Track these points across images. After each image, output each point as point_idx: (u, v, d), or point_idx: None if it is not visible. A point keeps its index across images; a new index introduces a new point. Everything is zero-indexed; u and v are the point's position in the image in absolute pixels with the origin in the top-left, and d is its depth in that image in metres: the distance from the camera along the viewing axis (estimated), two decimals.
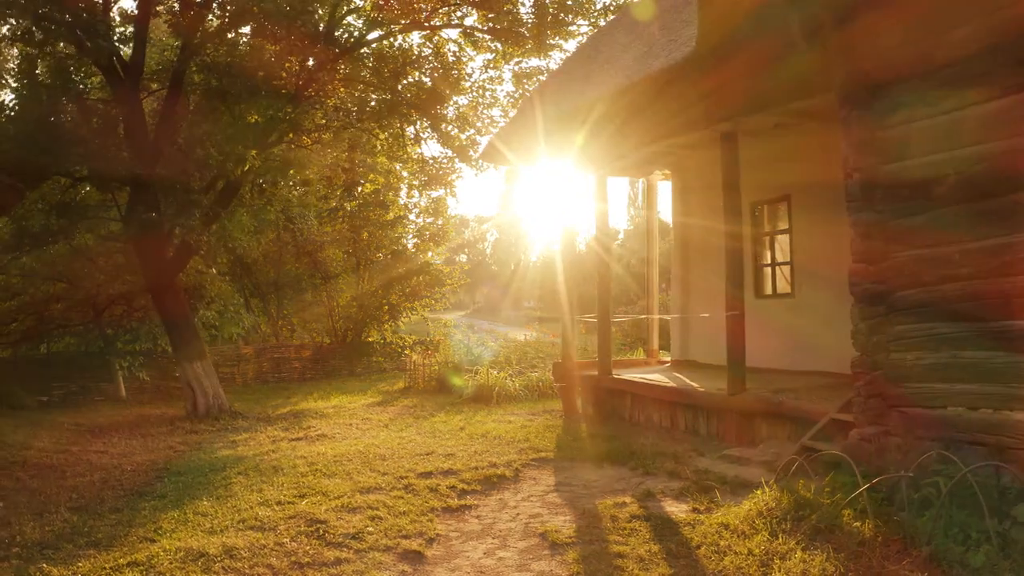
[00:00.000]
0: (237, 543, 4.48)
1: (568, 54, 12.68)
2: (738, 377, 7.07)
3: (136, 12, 10.47)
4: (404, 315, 18.66)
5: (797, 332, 8.25)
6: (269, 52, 10.73)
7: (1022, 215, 4.28)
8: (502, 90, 13.30)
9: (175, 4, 10.99)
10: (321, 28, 10.60)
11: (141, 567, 4.20)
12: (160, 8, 10.92)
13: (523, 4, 11.56)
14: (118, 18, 10.89)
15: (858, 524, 4.02)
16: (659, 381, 8.39)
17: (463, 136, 12.90)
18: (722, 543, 4.18)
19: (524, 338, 18.42)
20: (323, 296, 19.04)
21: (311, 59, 10.77)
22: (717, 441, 7.33)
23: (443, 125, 12.69)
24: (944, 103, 4.73)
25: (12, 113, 9.52)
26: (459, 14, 12.35)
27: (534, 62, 12.86)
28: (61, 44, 10.03)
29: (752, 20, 5.43)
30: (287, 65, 10.63)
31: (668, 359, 10.58)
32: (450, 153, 13.45)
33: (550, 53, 12.55)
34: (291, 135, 10.74)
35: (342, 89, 11.59)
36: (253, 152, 9.61)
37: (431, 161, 13.70)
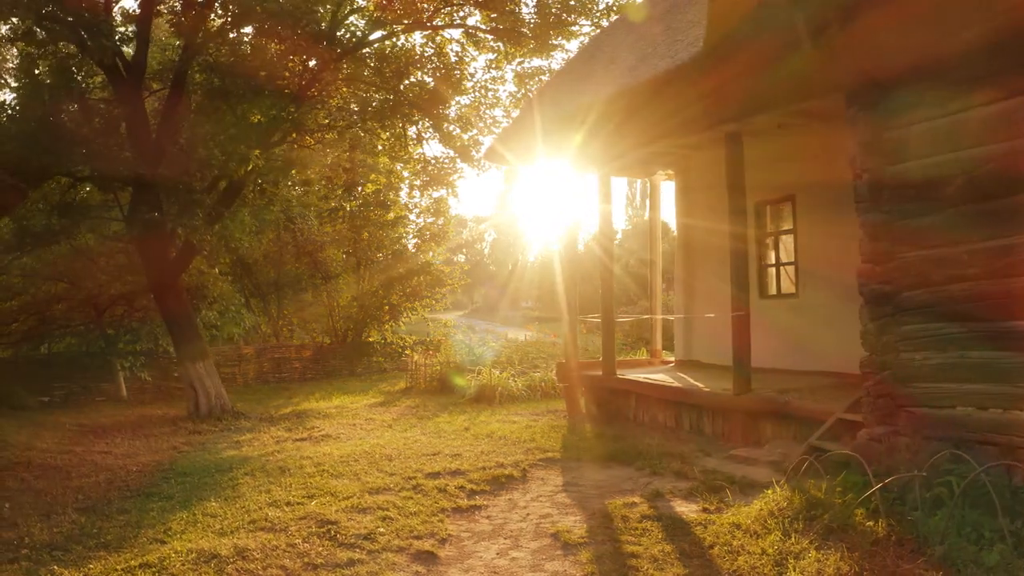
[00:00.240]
0: (249, 544, 4.47)
1: (570, 54, 12.69)
2: (744, 377, 7.08)
3: (138, 12, 10.43)
4: (404, 315, 18.65)
5: (801, 332, 8.27)
6: (272, 52, 10.71)
7: None
8: (504, 90, 13.32)
9: (177, 4, 10.97)
10: (324, 28, 10.58)
11: (153, 569, 4.19)
12: (162, 8, 10.90)
13: (526, 4, 11.57)
14: (119, 17, 10.87)
15: (871, 523, 4.04)
16: (664, 381, 8.40)
17: (465, 136, 12.90)
18: (735, 543, 4.19)
19: (524, 338, 18.42)
20: (323, 296, 19.02)
21: (314, 59, 10.76)
22: (722, 441, 7.35)
23: (445, 125, 12.69)
24: (951, 104, 4.76)
25: (14, 113, 9.48)
26: (461, 14, 12.35)
27: (536, 62, 12.87)
28: (62, 44, 10.00)
29: (759, 21, 5.44)
30: (290, 65, 10.62)
31: (671, 359, 10.60)
32: (452, 153, 13.45)
33: (552, 53, 12.57)
34: (294, 135, 10.72)
35: (345, 89, 11.58)
36: (257, 152, 9.59)
37: (433, 161, 13.69)
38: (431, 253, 18.79)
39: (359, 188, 16.36)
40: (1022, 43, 4.33)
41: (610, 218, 9.82)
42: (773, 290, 9.01)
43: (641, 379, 8.66)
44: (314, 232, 17.46)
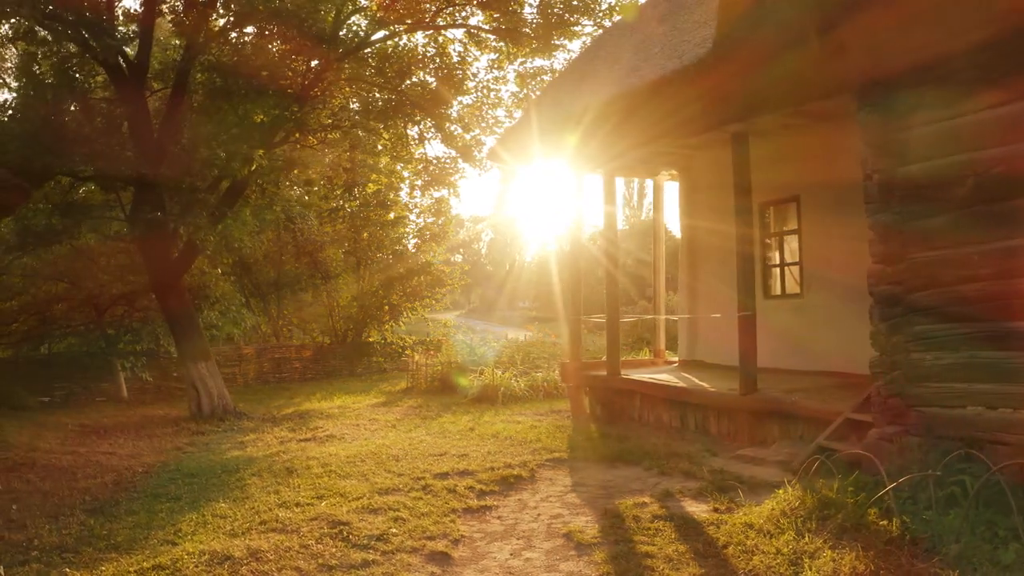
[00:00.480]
0: (261, 545, 4.46)
1: (572, 54, 12.71)
2: (750, 377, 7.10)
3: (141, 11, 10.40)
4: (405, 315, 18.63)
5: (805, 333, 8.30)
6: (275, 52, 10.69)
7: None
8: (506, 90, 13.27)
9: (178, 3, 10.94)
10: (327, 28, 10.56)
11: (166, 571, 4.18)
12: (163, 7, 10.86)
13: (529, 4, 11.57)
14: (121, 17, 10.84)
15: (884, 523, 4.06)
16: (669, 381, 8.42)
17: (467, 136, 12.89)
18: (748, 542, 4.20)
19: (525, 338, 18.42)
20: (323, 296, 18.99)
21: (316, 59, 10.74)
22: (728, 441, 7.37)
23: (447, 125, 12.68)
24: (961, 106, 4.78)
25: (16, 112, 9.43)
26: (463, 14, 12.35)
27: (538, 62, 12.87)
28: (64, 43, 9.96)
29: (768, 21, 5.45)
30: (293, 64, 10.60)
31: (675, 359, 10.62)
32: (453, 153, 13.45)
33: (554, 53, 12.58)
34: (297, 134, 10.70)
35: (347, 88, 11.56)
36: (260, 152, 9.57)
37: (434, 161, 13.68)
38: (432, 253, 18.77)
39: (359, 188, 16.35)
40: None
41: (614, 219, 9.85)
42: (777, 290, 9.04)
43: (646, 379, 8.68)
44: (314, 232, 17.43)
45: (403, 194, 17.03)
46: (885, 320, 5.05)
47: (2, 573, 4.23)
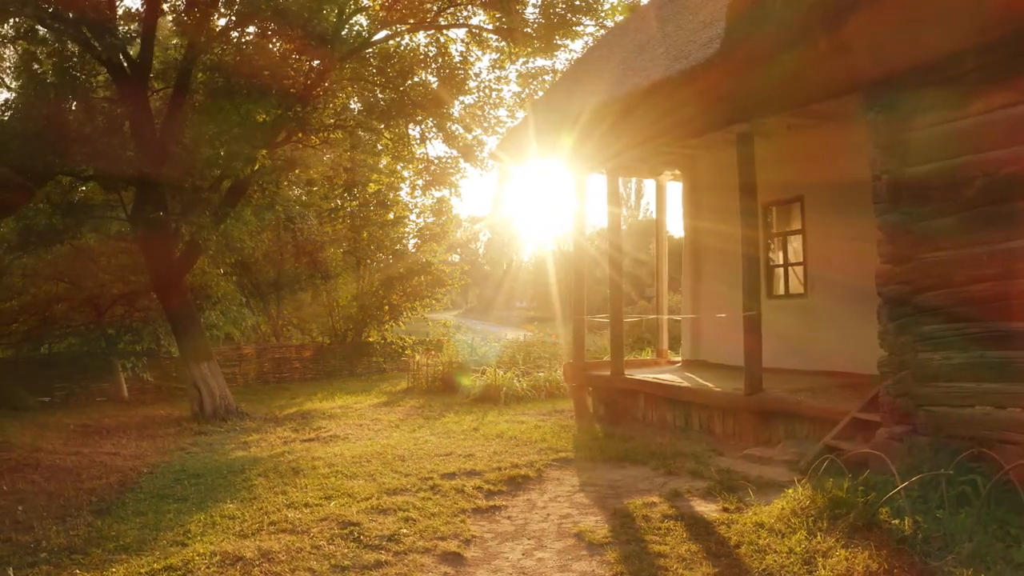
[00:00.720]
0: (272, 546, 4.45)
1: (574, 54, 12.72)
2: (755, 377, 7.12)
3: (143, 11, 10.37)
4: (405, 315, 18.62)
5: (809, 333, 8.33)
6: (277, 51, 10.67)
7: None
8: (508, 90, 13.26)
9: (180, 2, 10.90)
10: (329, 28, 10.55)
11: (178, 572, 4.16)
12: (165, 7, 10.83)
13: (531, 4, 11.58)
14: (121, 16, 10.78)
15: (896, 522, 4.07)
16: (673, 381, 8.43)
17: (469, 136, 12.89)
18: (761, 542, 4.21)
19: (524, 338, 18.42)
20: (323, 296, 18.97)
21: (319, 59, 10.71)
22: (733, 441, 7.38)
23: (449, 125, 12.68)
24: (970, 107, 4.80)
25: (17, 112, 9.39)
26: (465, 14, 12.34)
27: (540, 62, 12.89)
28: (64, 43, 9.92)
29: (777, 21, 5.46)
30: (295, 64, 10.58)
31: (678, 359, 10.63)
32: (455, 153, 13.45)
33: (556, 53, 12.60)
34: (300, 134, 10.68)
35: (349, 88, 11.54)
36: (264, 152, 9.54)
37: (435, 161, 13.68)
38: (432, 253, 18.76)
39: (359, 188, 16.33)
40: None
41: (618, 219, 9.85)
42: (780, 291, 9.06)
43: (650, 379, 8.69)
44: (314, 232, 17.41)
45: (403, 194, 17.03)
46: (893, 320, 5.07)
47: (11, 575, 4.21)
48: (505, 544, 4.57)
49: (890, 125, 5.15)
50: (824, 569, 3.73)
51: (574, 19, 11.82)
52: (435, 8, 11.64)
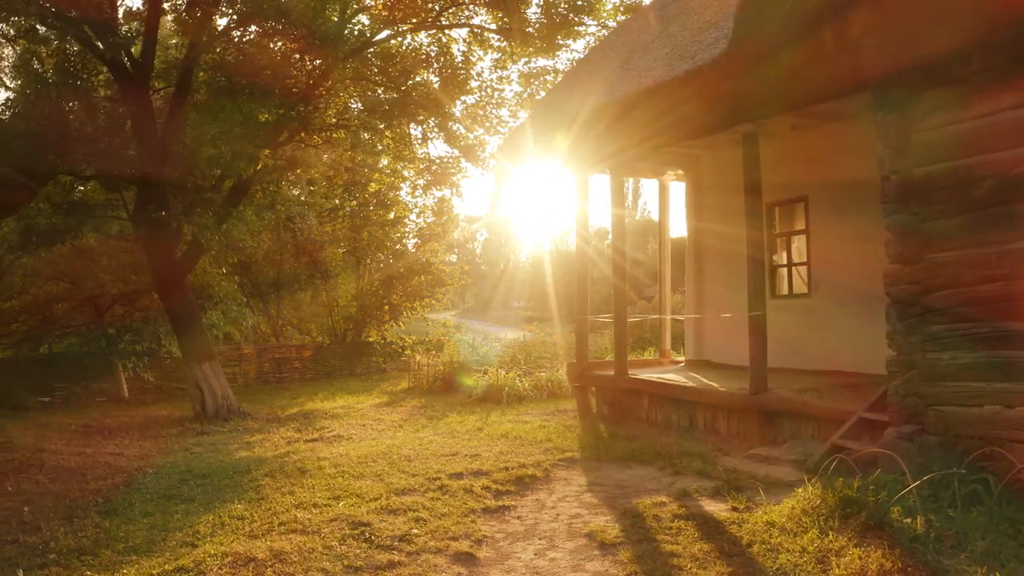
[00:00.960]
0: (284, 547, 4.44)
1: (576, 54, 12.72)
2: (760, 377, 7.13)
3: (145, 11, 10.32)
4: (405, 315, 18.60)
5: (813, 333, 8.36)
6: (278, 51, 10.64)
7: None
8: (510, 90, 13.24)
9: (181, 2, 10.86)
10: (332, 27, 10.52)
11: (189, 573, 4.15)
12: (166, 6, 10.79)
13: (533, 4, 11.58)
14: (122, 15, 10.74)
15: (908, 521, 4.08)
16: (677, 381, 8.44)
17: (471, 136, 12.89)
18: (773, 541, 4.22)
19: (524, 338, 18.43)
20: (323, 296, 18.93)
21: (321, 58, 10.69)
22: (738, 441, 7.39)
23: (451, 124, 12.67)
24: (980, 107, 4.82)
25: (18, 111, 9.34)
26: (466, 13, 12.33)
27: (542, 62, 12.89)
28: (67, 42, 9.88)
29: (786, 21, 5.47)
30: (298, 64, 10.56)
31: (681, 359, 10.65)
32: (456, 153, 13.44)
33: (558, 53, 12.59)
34: (302, 134, 10.66)
35: (352, 88, 11.52)
36: (267, 151, 9.52)
37: (437, 161, 13.66)
38: (433, 253, 18.74)
39: (360, 188, 16.30)
40: None
41: (622, 220, 9.87)
42: (784, 291, 9.08)
43: (654, 379, 8.70)
44: (314, 232, 17.37)
45: (403, 194, 17.01)
46: (902, 320, 5.09)
47: None
48: (517, 544, 4.57)
49: (899, 125, 5.17)
50: (838, 568, 3.74)
51: (576, 19, 11.83)
52: (437, 8, 11.63)
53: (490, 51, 12.84)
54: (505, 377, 11.89)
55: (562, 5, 11.62)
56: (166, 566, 4.27)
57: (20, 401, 11.36)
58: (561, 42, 12.05)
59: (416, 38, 12.43)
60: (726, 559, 4.05)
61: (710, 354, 9.95)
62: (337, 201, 17.43)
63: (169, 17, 11.13)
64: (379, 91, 11.96)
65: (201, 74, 10.89)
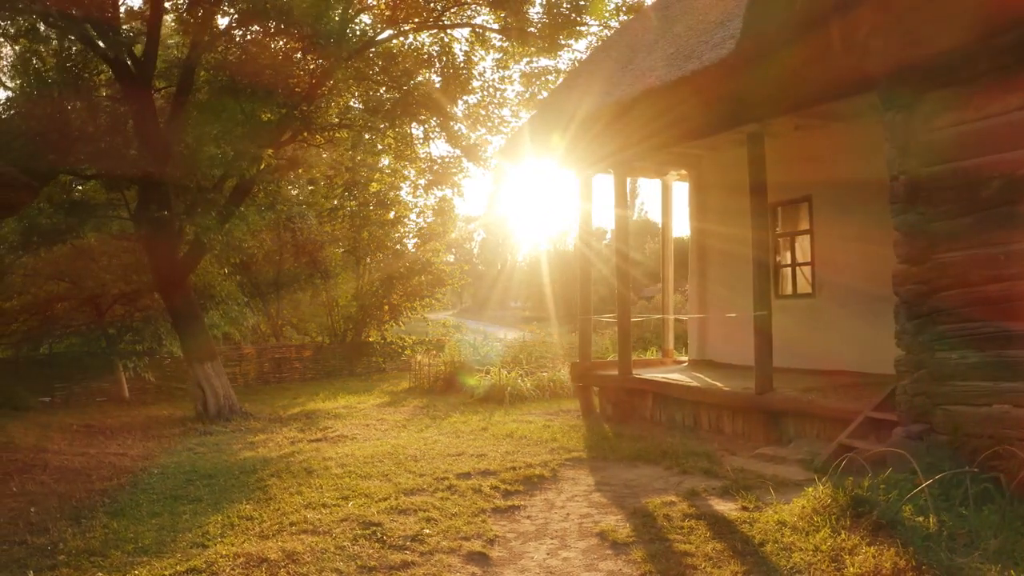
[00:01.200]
0: (296, 547, 4.43)
1: (578, 54, 12.73)
2: (766, 376, 7.16)
3: (148, 10, 10.28)
4: (405, 315, 18.59)
5: (817, 332, 8.39)
6: (281, 50, 10.62)
7: None
8: (512, 90, 13.24)
9: (182, 1, 10.82)
10: (334, 27, 10.50)
11: (202, 574, 4.14)
12: (167, 5, 10.75)
13: (537, 3, 11.58)
14: (124, 14, 10.71)
15: (920, 519, 4.10)
16: (681, 381, 8.46)
17: (473, 136, 12.88)
18: (785, 540, 4.23)
19: (525, 338, 18.43)
20: (323, 296, 18.90)
21: (323, 58, 10.67)
22: (743, 440, 7.41)
23: (452, 124, 12.66)
24: (988, 107, 4.85)
25: (20, 110, 9.30)
26: (468, 13, 12.32)
27: (543, 62, 12.90)
28: (68, 41, 9.83)
29: (794, 23, 5.49)
30: (300, 63, 10.53)
31: (684, 359, 10.67)
32: (457, 153, 13.43)
33: (559, 53, 12.60)
34: (305, 133, 10.63)
35: (354, 87, 11.50)
36: (270, 151, 9.50)
37: (438, 160, 13.65)
38: (434, 253, 18.73)
39: (360, 187, 16.28)
40: None
41: (625, 220, 9.88)
42: (788, 290, 9.11)
43: (659, 378, 8.72)
44: (313, 231, 17.34)
45: (404, 193, 16.99)
46: (911, 320, 5.11)
47: None
48: (529, 544, 4.57)
49: (907, 126, 5.19)
50: (852, 567, 3.75)
51: (578, 19, 11.84)
52: (439, 7, 11.62)
53: (491, 51, 12.85)
54: (507, 377, 11.89)
55: (564, 5, 11.62)
56: (178, 567, 4.26)
57: (21, 401, 11.32)
58: (563, 42, 12.05)
59: (418, 38, 12.42)
60: (740, 558, 4.06)
61: (713, 354, 9.97)
62: (336, 202, 17.40)
63: (170, 16, 11.09)
64: (381, 91, 11.94)
65: (203, 73, 10.86)
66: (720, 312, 9.62)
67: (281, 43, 10.85)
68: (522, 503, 5.46)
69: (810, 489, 4.82)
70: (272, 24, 10.20)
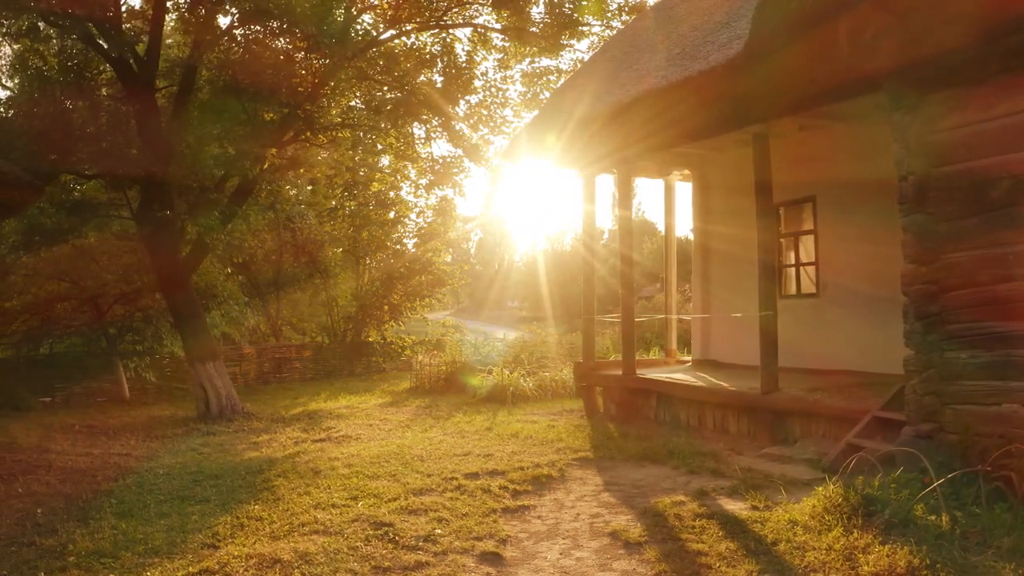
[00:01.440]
0: (308, 548, 4.43)
1: (580, 54, 12.74)
2: (771, 376, 7.18)
3: (151, 10, 10.24)
4: (405, 315, 18.57)
5: (821, 332, 8.42)
6: (283, 50, 10.60)
7: None
8: (514, 90, 13.25)
9: (183, 1, 10.79)
10: (337, 27, 10.48)
11: (215, 575, 4.12)
12: (169, 4, 10.70)
13: (540, 3, 11.58)
14: (125, 14, 10.66)
15: (933, 518, 4.12)
16: (686, 380, 8.48)
17: (475, 136, 12.88)
18: (797, 539, 4.25)
19: (524, 338, 18.42)
20: (322, 295, 18.86)
21: (326, 58, 10.65)
22: (749, 440, 7.43)
23: (454, 124, 12.65)
24: (997, 108, 4.88)
25: (21, 109, 9.25)
26: (469, 13, 12.32)
27: (545, 62, 12.91)
28: (70, 40, 9.78)
29: (802, 23, 5.51)
30: (303, 63, 10.51)
31: (687, 359, 10.69)
32: (459, 152, 13.42)
33: (561, 53, 12.61)
34: (308, 133, 10.60)
35: (356, 87, 11.48)
36: (273, 151, 9.47)
37: (440, 160, 13.64)
38: (435, 252, 18.70)
39: (361, 187, 16.25)
40: None
41: (629, 221, 9.91)
42: (792, 290, 9.14)
43: (663, 378, 8.73)
44: (313, 231, 17.31)
45: (404, 193, 16.96)
46: (920, 319, 5.13)
47: None
48: (541, 544, 4.57)
49: (915, 126, 5.22)
50: (867, 565, 3.77)
51: (580, 19, 11.84)
52: (442, 7, 11.62)
53: (493, 51, 12.85)
54: (510, 377, 11.89)
55: (567, 4, 11.63)
56: (191, 568, 4.24)
57: (21, 401, 11.26)
58: (565, 42, 12.06)
59: (420, 38, 12.41)
60: (754, 557, 4.07)
61: (717, 354, 9.99)
62: (335, 202, 17.36)
63: (172, 15, 11.05)
64: (384, 90, 11.93)
65: (204, 72, 10.83)
66: (723, 312, 9.64)
67: (283, 43, 10.83)
68: (532, 503, 5.46)
69: (820, 488, 4.84)
70: (274, 23, 10.18)
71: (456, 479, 6.07)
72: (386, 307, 18.34)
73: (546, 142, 9.73)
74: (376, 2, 11.49)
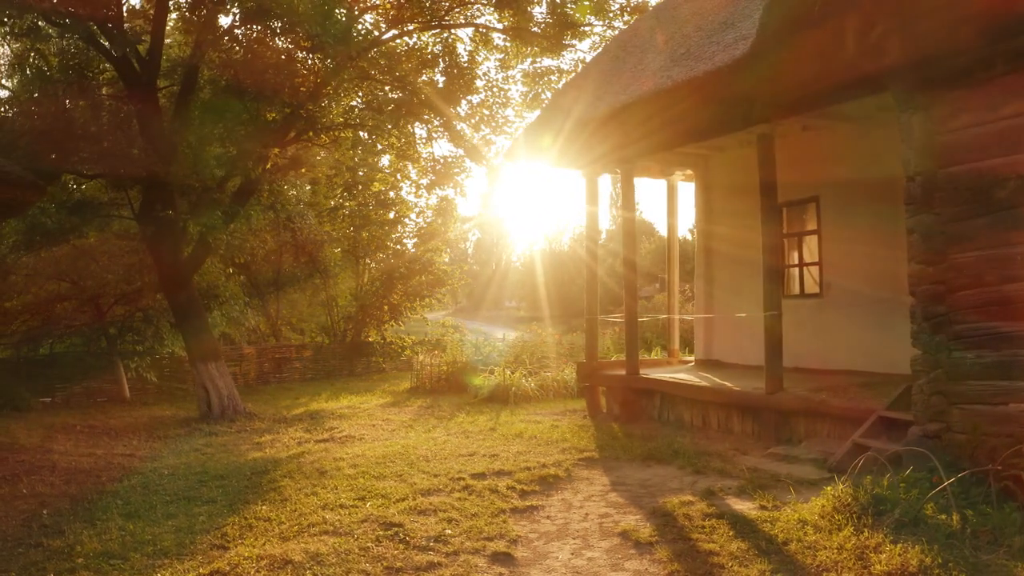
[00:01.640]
0: (319, 549, 4.42)
1: (582, 54, 12.74)
2: (776, 376, 7.19)
3: (152, 10, 10.21)
4: (405, 315, 18.54)
5: (826, 332, 8.45)
6: (285, 50, 10.57)
7: None
8: (516, 90, 13.26)
9: (185, 0, 10.75)
10: (339, 26, 10.45)
11: None
12: (170, 3, 10.67)
13: (543, 3, 11.58)
14: (127, 14, 10.61)
15: (943, 517, 4.14)
16: (690, 380, 8.49)
17: (476, 136, 12.87)
18: (808, 539, 4.26)
19: (525, 338, 18.41)
20: (322, 295, 18.83)
21: (328, 58, 10.63)
22: (754, 440, 7.45)
23: (456, 124, 12.64)
24: (1004, 108, 4.90)
25: (23, 109, 9.20)
26: (470, 13, 12.31)
27: (547, 62, 12.90)
28: (71, 40, 9.74)
29: (809, 24, 5.53)
30: (304, 63, 10.49)
31: (689, 359, 10.71)
32: (460, 152, 13.41)
33: (563, 53, 12.61)
34: (310, 133, 10.58)
35: (359, 87, 11.47)
36: (275, 151, 9.45)
37: (441, 160, 13.63)
38: (436, 252, 18.69)
39: (362, 187, 16.23)
40: None
41: (632, 221, 9.91)
42: (795, 290, 9.16)
43: (667, 378, 8.74)
44: (313, 231, 17.28)
45: (404, 193, 16.95)
46: (928, 319, 5.15)
47: None
48: (552, 544, 4.58)
49: (923, 127, 5.23)
50: (879, 564, 3.78)
51: (582, 19, 11.85)
52: (444, 7, 11.61)
53: (495, 51, 12.84)
54: (512, 377, 11.89)
55: (568, 4, 11.63)
56: (201, 569, 4.23)
57: (22, 401, 11.21)
58: (567, 42, 12.06)
59: (422, 38, 12.40)
60: (765, 557, 4.08)
61: (720, 354, 10.01)
62: (335, 202, 17.34)
63: (174, 15, 11.01)
64: (385, 90, 11.91)
65: (206, 72, 10.79)
66: (726, 312, 9.67)
67: (285, 42, 10.80)
68: (540, 503, 5.47)
69: (829, 488, 4.85)
70: (276, 23, 10.15)
71: (463, 479, 6.07)
72: (386, 307, 18.32)
73: (547, 142, 9.74)
74: (378, 2, 11.47)
